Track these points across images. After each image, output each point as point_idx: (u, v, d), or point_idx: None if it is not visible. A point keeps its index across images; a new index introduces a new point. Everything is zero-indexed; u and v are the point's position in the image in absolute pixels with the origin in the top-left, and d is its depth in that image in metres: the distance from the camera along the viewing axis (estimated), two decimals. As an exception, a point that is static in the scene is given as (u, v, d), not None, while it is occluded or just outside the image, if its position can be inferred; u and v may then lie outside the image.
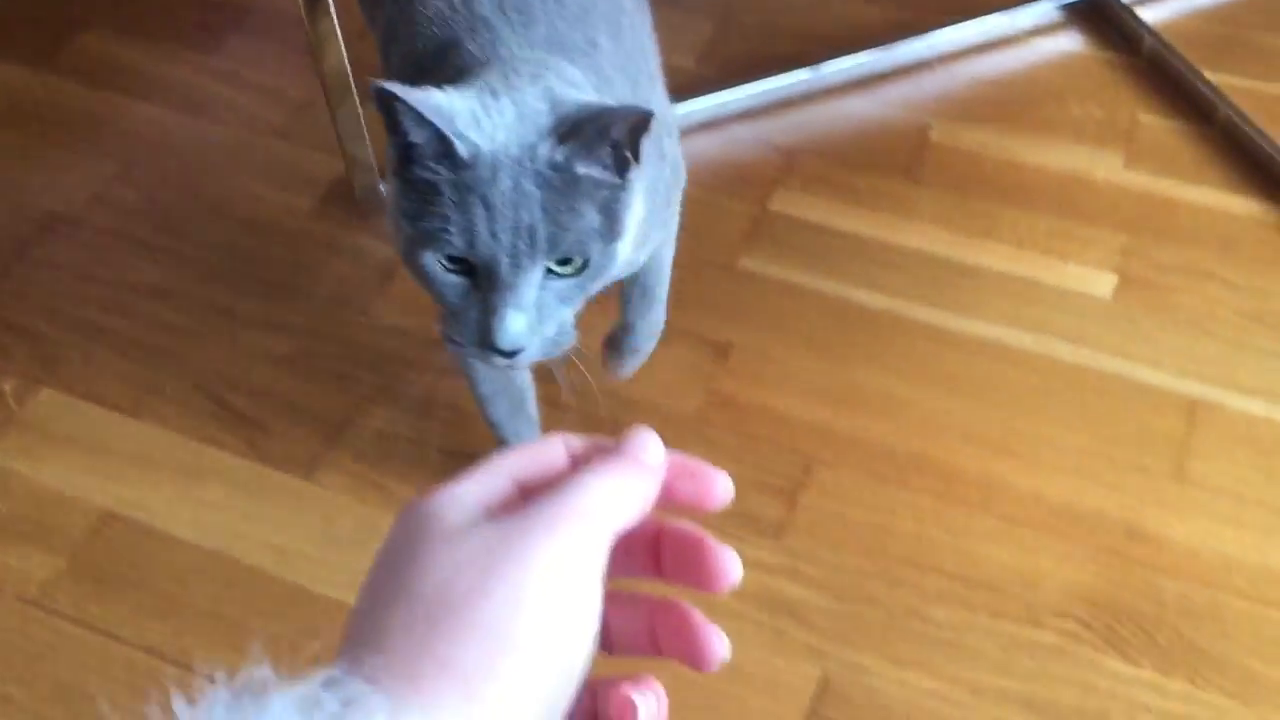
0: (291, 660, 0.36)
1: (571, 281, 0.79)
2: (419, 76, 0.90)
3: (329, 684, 0.34)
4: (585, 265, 0.78)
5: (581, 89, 0.84)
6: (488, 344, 0.78)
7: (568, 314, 0.81)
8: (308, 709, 0.34)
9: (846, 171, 1.59)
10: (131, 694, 1.14)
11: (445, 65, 0.90)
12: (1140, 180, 1.57)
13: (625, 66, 0.94)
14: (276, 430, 1.35)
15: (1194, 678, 1.12)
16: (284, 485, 1.30)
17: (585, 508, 0.40)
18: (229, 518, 1.28)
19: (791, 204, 1.56)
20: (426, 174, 0.76)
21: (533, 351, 0.79)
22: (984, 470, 1.28)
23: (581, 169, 0.76)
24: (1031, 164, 1.59)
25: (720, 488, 0.45)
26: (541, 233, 0.75)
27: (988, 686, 1.12)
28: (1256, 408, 1.32)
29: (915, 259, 1.49)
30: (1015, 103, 1.68)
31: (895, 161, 1.60)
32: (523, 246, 0.75)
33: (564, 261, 0.77)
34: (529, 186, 0.74)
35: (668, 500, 0.45)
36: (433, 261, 0.78)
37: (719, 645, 0.44)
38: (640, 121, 0.75)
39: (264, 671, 0.34)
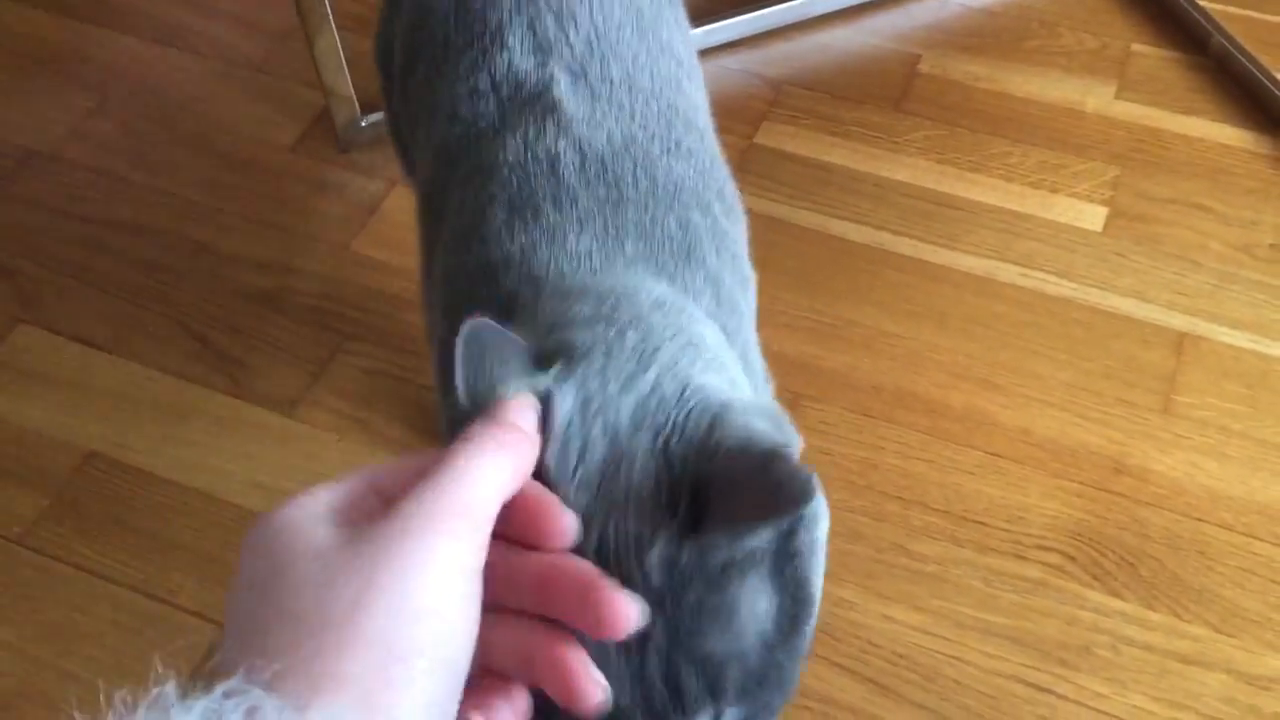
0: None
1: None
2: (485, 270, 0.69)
3: (230, 694, 0.34)
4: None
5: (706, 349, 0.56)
6: None
7: None
8: None
9: (834, 103, 1.57)
10: (121, 634, 1.14)
11: (515, 243, 0.68)
12: (1132, 111, 1.55)
13: (722, 240, 0.74)
14: (258, 368, 1.34)
15: (1177, 610, 1.13)
16: (267, 423, 1.29)
17: (460, 503, 0.39)
18: (212, 456, 1.27)
19: (779, 137, 1.53)
20: None
21: None
22: (971, 405, 1.28)
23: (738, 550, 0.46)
24: (1022, 95, 1.57)
25: (561, 527, 0.43)
26: (688, 679, 0.47)
27: (972, 620, 1.13)
28: (1244, 340, 1.31)
29: (903, 192, 1.47)
30: (1006, 32, 1.65)
31: (884, 93, 1.58)
32: (656, 695, 0.46)
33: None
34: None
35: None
36: None
37: (596, 692, 0.41)
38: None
39: (167, 689, 0.34)
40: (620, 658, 0.45)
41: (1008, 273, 1.39)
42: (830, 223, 1.44)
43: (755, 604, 0.47)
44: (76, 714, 0.34)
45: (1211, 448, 1.23)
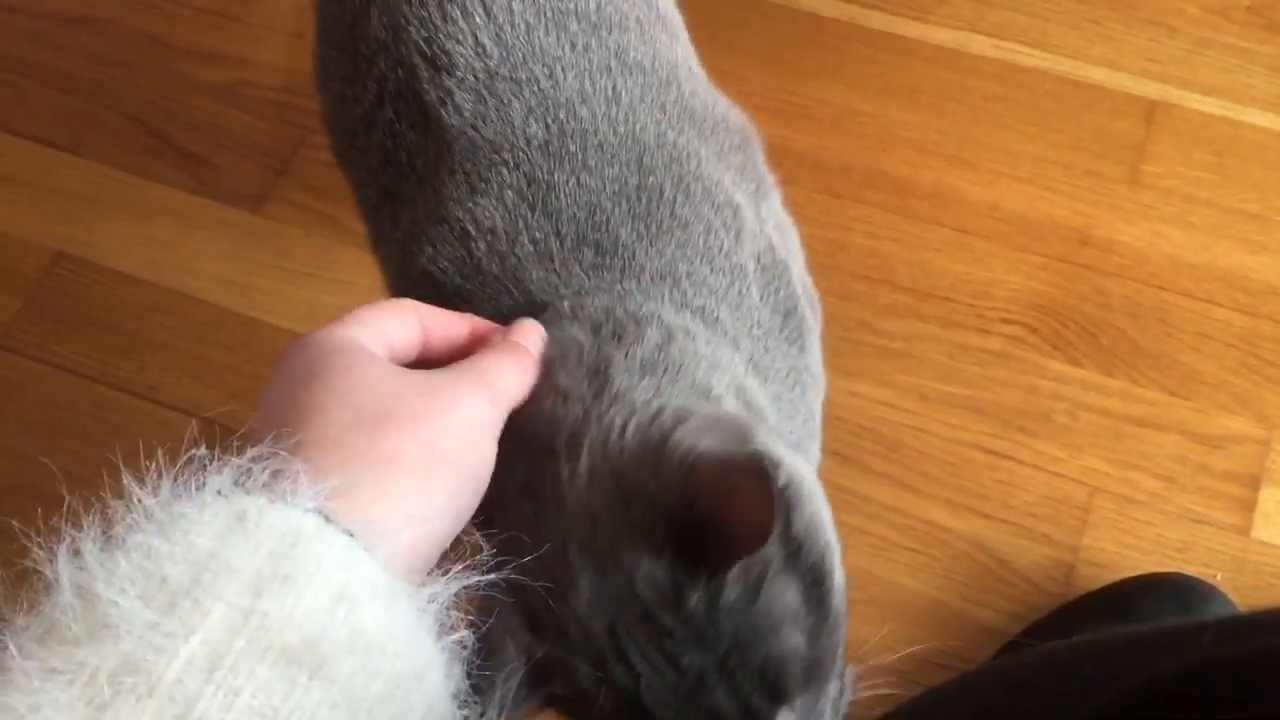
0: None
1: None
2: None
3: (258, 459, 0.39)
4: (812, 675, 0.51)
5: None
6: None
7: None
8: (241, 479, 0.38)
9: None
10: (104, 429, 1.17)
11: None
12: None
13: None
14: (221, 164, 1.32)
15: (1135, 376, 1.16)
16: (233, 220, 1.29)
17: (496, 380, 0.48)
18: (181, 255, 1.27)
19: (746, -94, 1.47)
20: None
21: None
22: (940, 182, 1.27)
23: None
24: None
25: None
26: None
27: (935, 393, 1.16)
28: (1214, 107, 1.30)
29: (875, -38, 1.42)
30: None
31: None
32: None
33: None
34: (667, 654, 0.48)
35: None
36: None
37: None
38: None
39: (201, 451, 0.39)
40: (688, 704, 0.48)
41: (980, 45, 1.36)
42: (799, -3, 1.40)
43: (785, 600, 0.49)
44: (124, 472, 0.37)
45: (1177, 217, 1.24)
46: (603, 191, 0.67)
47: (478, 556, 0.42)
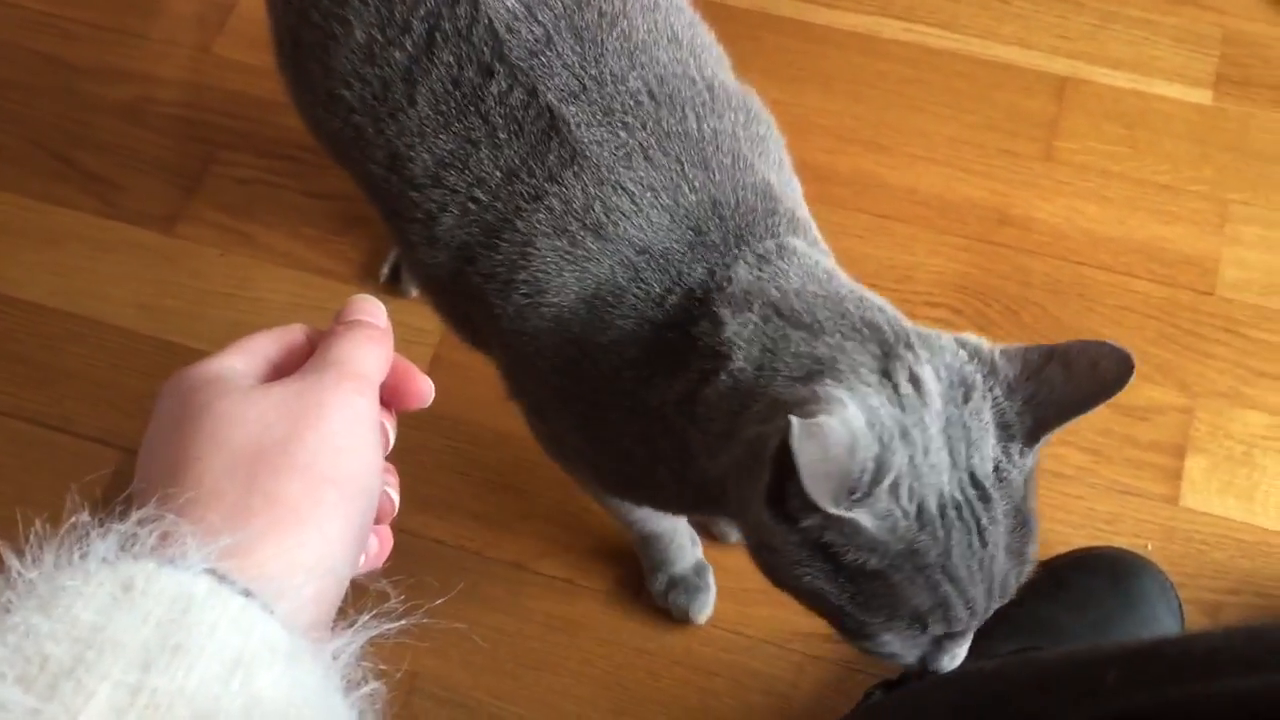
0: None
1: None
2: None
3: (144, 521, 0.37)
4: None
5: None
6: (922, 670, 0.66)
7: None
8: (127, 545, 0.36)
9: None
10: (21, 465, 1.14)
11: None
12: None
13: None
14: (129, 186, 1.29)
15: (1058, 352, 1.17)
16: (145, 242, 1.26)
17: (356, 368, 0.45)
18: (92, 280, 1.24)
19: (652, -102, 1.46)
20: (849, 555, 0.58)
21: None
22: (857, 168, 1.27)
23: (1030, 459, 0.60)
24: None
25: (424, 389, 0.49)
26: (1013, 580, 0.61)
27: (863, 378, 1.16)
28: (1124, 80, 1.31)
29: (783, -50, 1.42)
30: None
31: None
32: (995, 603, 0.61)
33: None
34: (997, 530, 0.59)
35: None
36: (880, 637, 0.63)
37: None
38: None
39: (83, 517, 0.36)
40: (978, 578, 0.58)
41: (891, 29, 1.36)
42: (709, -12, 1.39)
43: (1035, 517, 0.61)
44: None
45: (1092, 191, 1.25)
46: (734, 135, 0.71)
47: (385, 604, 0.40)
